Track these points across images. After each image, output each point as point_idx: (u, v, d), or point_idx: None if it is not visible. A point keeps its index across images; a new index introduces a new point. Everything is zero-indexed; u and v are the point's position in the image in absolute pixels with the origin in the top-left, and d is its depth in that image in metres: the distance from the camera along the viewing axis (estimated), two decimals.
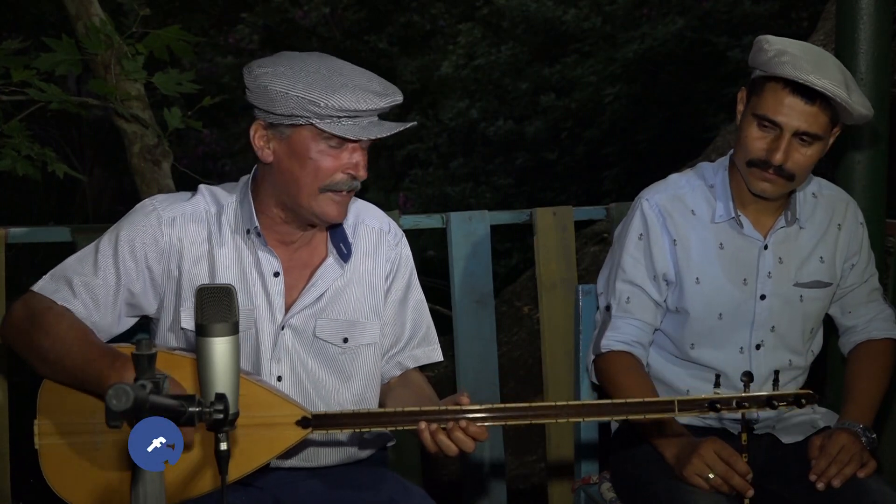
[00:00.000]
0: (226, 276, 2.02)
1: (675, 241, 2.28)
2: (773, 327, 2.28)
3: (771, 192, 2.19)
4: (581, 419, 1.93)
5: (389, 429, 1.95)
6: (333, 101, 1.88)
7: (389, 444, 2.25)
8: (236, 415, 1.48)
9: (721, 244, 2.27)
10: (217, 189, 2.11)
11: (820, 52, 2.16)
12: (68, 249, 2.23)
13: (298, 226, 2.05)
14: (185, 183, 2.24)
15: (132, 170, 3.77)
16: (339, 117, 1.91)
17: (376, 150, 9.57)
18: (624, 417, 1.92)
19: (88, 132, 8.50)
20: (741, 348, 2.29)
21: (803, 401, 1.93)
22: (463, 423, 1.84)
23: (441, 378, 3.44)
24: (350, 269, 2.11)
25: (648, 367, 2.35)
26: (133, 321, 2.08)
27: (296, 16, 9.37)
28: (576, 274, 3.04)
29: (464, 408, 1.86)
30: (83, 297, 1.98)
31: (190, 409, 1.36)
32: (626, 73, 7.91)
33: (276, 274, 2.05)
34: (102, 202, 8.49)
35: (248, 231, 2.04)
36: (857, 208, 2.39)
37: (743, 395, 1.93)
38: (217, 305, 1.51)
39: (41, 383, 1.99)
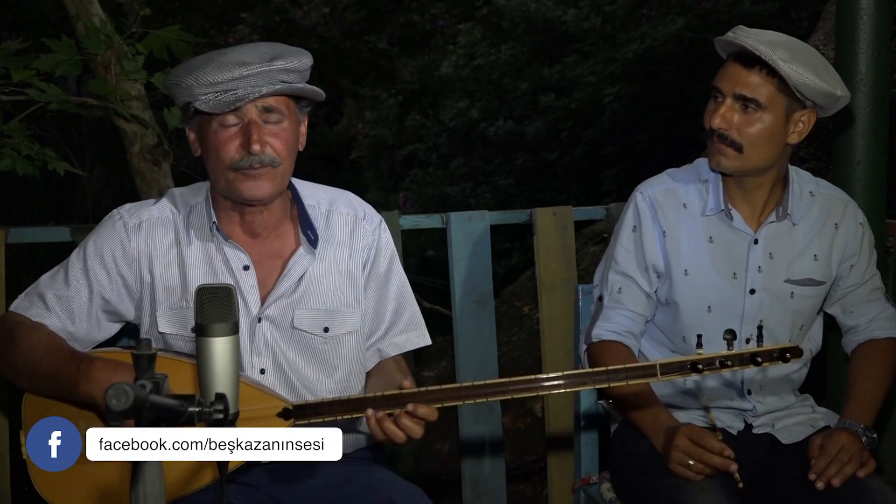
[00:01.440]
0: (196, 276, 2.03)
1: (664, 232, 2.29)
2: (760, 322, 2.27)
3: (725, 165, 2.20)
4: (549, 392, 1.84)
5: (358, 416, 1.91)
6: (190, 78, 1.93)
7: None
8: (236, 415, 1.48)
9: (711, 238, 2.27)
10: (186, 191, 2.14)
11: (785, 36, 2.18)
12: (68, 249, 2.23)
13: (251, 212, 2.05)
14: (185, 183, 2.24)
15: (132, 170, 3.77)
16: (208, 94, 1.93)
17: (376, 151, 9.58)
18: (606, 385, 1.87)
19: (88, 132, 8.50)
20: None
21: (788, 355, 1.86)
22: (410, 407, 1.82)
23: (441, 378, 3.44)
24: (325, 258, 2.11)
25: (645, 361, 2.34)
26: (117, 327, 2.10)
27: (296, 16, 9.38)
28: (576, 274, 3.04)
29: (425, 389, 1.83)
30: (57, 311, 2.01)
31: (190, 409, 1.36)
32: (625, 73, 7.92)
33: (246, 267, 2.06)
34: (102, 202, 8.48)
35: (211, 228, 2.05)
36: (856, 209, 2.38)
37: (726, 353, 1.85)
38: (217, 305, 1.51)
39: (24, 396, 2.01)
